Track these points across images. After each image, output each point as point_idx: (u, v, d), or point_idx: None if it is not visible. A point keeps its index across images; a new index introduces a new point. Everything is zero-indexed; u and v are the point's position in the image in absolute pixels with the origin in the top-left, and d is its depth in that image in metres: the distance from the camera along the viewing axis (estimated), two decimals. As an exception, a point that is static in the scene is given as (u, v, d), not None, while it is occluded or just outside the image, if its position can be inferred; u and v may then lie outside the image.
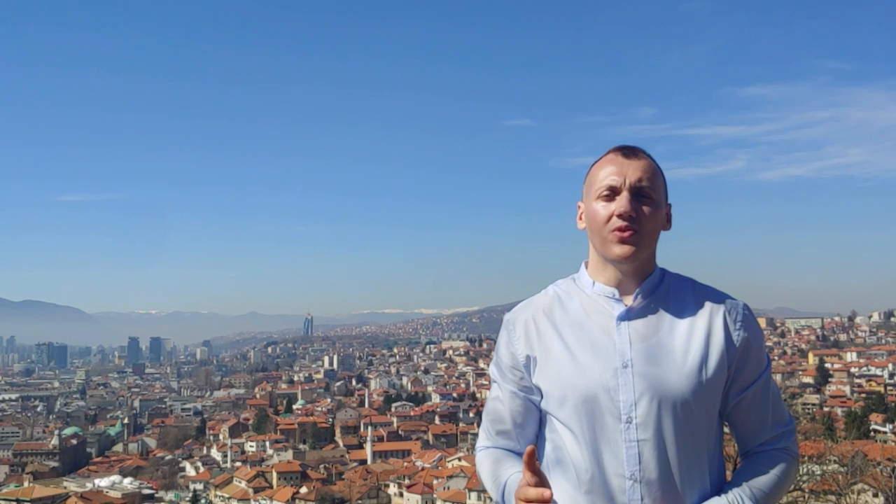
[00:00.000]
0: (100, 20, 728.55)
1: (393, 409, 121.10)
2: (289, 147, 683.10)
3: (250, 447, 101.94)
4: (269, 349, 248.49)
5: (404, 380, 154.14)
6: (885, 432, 75.12)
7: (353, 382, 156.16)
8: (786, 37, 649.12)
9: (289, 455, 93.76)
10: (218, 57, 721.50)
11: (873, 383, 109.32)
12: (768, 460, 1.84)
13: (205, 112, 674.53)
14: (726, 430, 1.95)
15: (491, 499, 1.96)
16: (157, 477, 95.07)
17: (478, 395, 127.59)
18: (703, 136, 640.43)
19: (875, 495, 31.58)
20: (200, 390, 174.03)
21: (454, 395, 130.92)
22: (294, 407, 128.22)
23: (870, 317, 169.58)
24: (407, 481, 75.88)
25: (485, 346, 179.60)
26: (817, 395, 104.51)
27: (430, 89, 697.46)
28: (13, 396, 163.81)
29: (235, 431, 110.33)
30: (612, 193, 1.80)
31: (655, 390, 1.74)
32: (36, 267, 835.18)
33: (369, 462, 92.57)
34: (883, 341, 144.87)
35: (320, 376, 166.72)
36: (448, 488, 70.20)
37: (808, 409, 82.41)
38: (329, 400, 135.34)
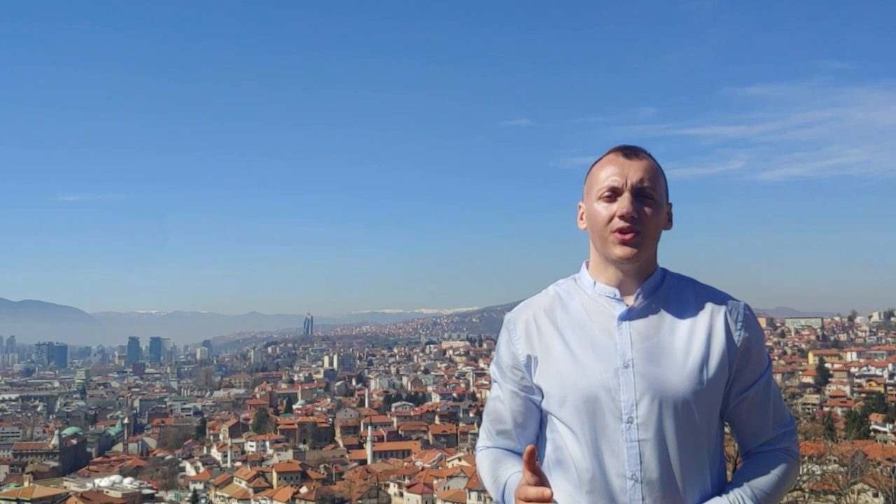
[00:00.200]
0: (100, 20, 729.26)
1: (393, 409, 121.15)
2: (289, 147, 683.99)
3: (250, 447, 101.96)
4: (269, 349, 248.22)
5: (404, 380, 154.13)
6: (885, 432, 75.11)
7: (353, 382, 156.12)
8: (786, 37, 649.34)
9: (289, 455, 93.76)
10: (218, 57, 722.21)
11: (873, 383, 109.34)
12: (769, 460, 1.85)
13: (205, 112, 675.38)
14: (727, 430, 1.95)
15: (491, 499, 1.96)
16: (158, 477, 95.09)
17: (478, 395, 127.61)
18: (703, 136, 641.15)
19: (875, 495, 31.63)
20: (200, 390, 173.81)
21: (454, 395, 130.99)
22: (294, 407, 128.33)
23: (870, 317, 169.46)
24: (407, 481, 75.90)
25: (485, 346, 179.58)
26: (817, 395, 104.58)
27: (430, 89, 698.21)
28: (13, 396, 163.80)
29: (235, 431, 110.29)
30: (614, 194, 1.80)
31: (656, 390, 1.75)
32: (36, 267, 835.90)
33: (369, 462, 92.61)
34: (883, 341, 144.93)
35: (320, 376, 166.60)
36: (448, 488, 70.22)
37: (809, 409, 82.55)
38: (329, 400, 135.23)
